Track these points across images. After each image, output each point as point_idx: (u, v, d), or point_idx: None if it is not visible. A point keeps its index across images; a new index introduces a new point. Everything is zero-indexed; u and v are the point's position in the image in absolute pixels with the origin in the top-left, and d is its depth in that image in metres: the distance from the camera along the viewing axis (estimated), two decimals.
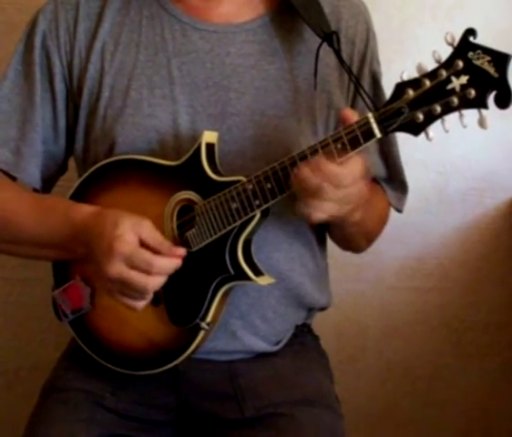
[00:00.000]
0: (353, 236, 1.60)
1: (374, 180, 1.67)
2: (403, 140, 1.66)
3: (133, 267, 1.35)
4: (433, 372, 2.48)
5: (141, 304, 1.41)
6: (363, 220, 1.51)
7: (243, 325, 1.58)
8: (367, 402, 2.47)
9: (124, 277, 1.35)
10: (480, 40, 1.28)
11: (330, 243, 1.76)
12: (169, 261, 1.39)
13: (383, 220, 1.72)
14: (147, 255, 1.36)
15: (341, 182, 1.33)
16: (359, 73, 1.63)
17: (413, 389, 2.48)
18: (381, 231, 1.72)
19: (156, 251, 1.38)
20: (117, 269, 1.35)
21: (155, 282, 1.38)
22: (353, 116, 1.36)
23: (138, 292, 1.38)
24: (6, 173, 1.62)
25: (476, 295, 2.43)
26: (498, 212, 2.39)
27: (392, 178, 1.70)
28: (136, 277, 1.36)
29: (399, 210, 1.73)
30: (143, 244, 1.38)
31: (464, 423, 2.51)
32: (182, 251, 1.41)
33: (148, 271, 1.36)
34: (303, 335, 1.72)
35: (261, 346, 1.62)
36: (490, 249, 2.41)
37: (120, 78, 1.58)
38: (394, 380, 2.48)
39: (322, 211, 1.36)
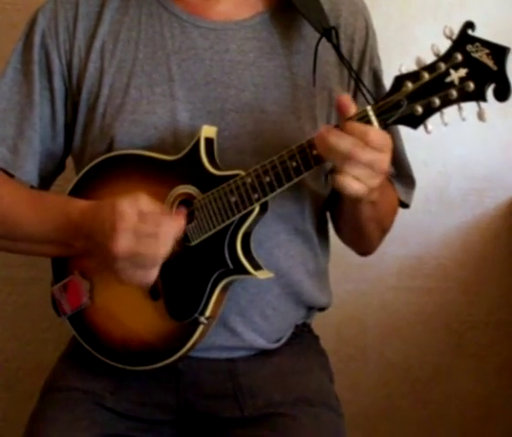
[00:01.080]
0: (368, 222, 1.58)
1: None
2: (403, 139, 1.67)
3: (140, 238, 1.34)
4: (433, 372, 2.47)
5: (153, 274, 1.38)
6: (378, 203, 1.49)
7: (243, 321, 1.58)
8: (367, 402, 2.47)
9: (133, 250, 1.34)
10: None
11: (331, 243, 1.76)
12: (174, 223, 1.38)
13: (394, 210, 1.71)
14: (150, 225, 1.35)
15: (371, 139, 1.32)
16: (359, 70, 1.63)
17: (413, 389, 2.48)
18: (392, 222, 1.71)
19: (157, 220, 1.37)
20: (125, 244, 1.34)
21: (165, 245, 1.36)
22: (349, 101, 1.36)
23: (149, 261, 1.36)
24: (4, 171, 1.62)
25: (477, 295, 2.43)
26: (498, 212, 2.38)
27: (399, 173, 1.70)
28: (145, 246, 1.34)
29: (407, 205, 1.72)
30: (144, 216, 1.36)
31: (464, 423, 2.51)
32: (183, 213, 1.42)
33: (155, 237, 1.34)
34: (303, 335, 1.72)
35: (261, 343, 1.62)
36: (490, 249, 2.41)
37: (120, 76, 1.59)
38: (394, 380, 2.47)
39: (356, 178, 1.33)
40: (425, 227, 2.38)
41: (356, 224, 1.60)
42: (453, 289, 2.42)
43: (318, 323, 1.79)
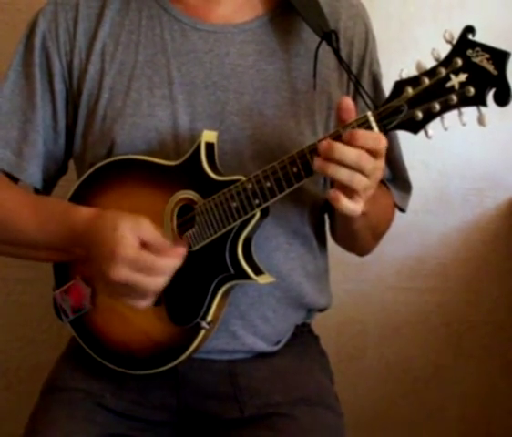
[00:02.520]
0: (360, 231, 1.58)
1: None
2: (403, 140, 1.67)
3: (136, 270, 1.34)
4: (433, 372, 2.48)
5: (144, 304, 1.39)
6: (370, 212, 1.48)
7: (243, 325, 1.59)
8: (367, 402, 2.48)
9: (129, 280, 1.34)
10: (480, 40, 1.28)
11: (330, 243, 1.76)
12: (171, 261, 1.37)
13: (388, 217, 1.70)
14: (149, 257, 1.35)
15: (383, 147, 1.32)
16: (359, 74, 1.63)
17: (413, 388, 2.48)
18: (387, 228, 1.72)
19: (157, 251, 1.37)
20: (121, 273, 1.34)
21: (158, 283, 1.36)
22: (351, 105, 1.36)
23: (142, 293, 1.37)
24: (8, 174, 1.62)
25: (477, 295, 2.44)
26: (498, 212, 2.39)
27: (395, 178, 1.70)
28: (139, 279, 1.34)
29: (403, 210, 1.72)
30: (144, 244, 1.36)
31: (464, 423, 2.51)
32: (183, 250, 1.40)
33: (153, 271, 1.35)
34: (303, 335, 1.72)
35: (261, 346, 1.62)
36: (490, 249, 2.41)
37: (120, 79, 1.59)
38: (394, 380, 2.48)
39: (360, 190, 1.33)
40: (425, 227, 2.38)
41: (349, 233, 1.60)
42: (453, 289, 2.43)
43: (318, 323, 1.79)
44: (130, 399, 1.59)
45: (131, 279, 1.34)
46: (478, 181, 2.38)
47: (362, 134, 1.32)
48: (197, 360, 1.57)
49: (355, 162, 1.31)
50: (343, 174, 1.31)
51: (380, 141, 1.32)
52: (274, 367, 1.63)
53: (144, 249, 1.35)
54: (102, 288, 1.51)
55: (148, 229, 1.37)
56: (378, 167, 1.35)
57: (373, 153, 1.32)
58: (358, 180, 1.32)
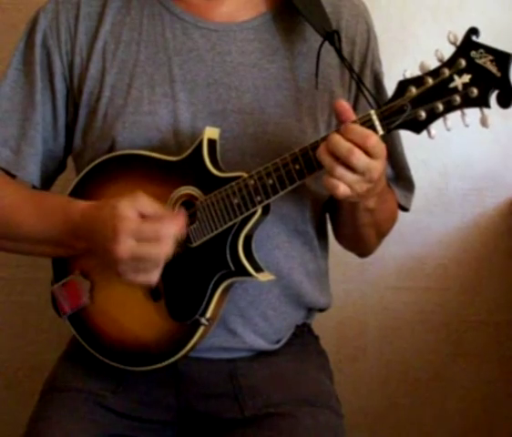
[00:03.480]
0: (365, 228, 1.59)
1: None
2: (402, 140, 1.67)
3: (141, 240, 1.34)
4: (433, 372, 2.48)
5: (156, 275, 1.38)
6: (377, 210, 1.50)
7: (243, 322, 1.59)
8: (367, 402, 2.47)
9: (135, 252, 1.34)
10: (480, 39, 1.29)
11: (330, 243, 1.76)
12: (174, 224, 1.37)
13: (393, 216, 1.71)
14: (151, 226, 1.35)
15: (370, 145, 1.33)
16: (360, 73, 1.63)
17: (413, 388, 2.48)
18: (391, 228, 1.72)
19: (157, 220, 1.37)
20: (127, 247, 1.34)
21: (166, 248, 1.35)
22: (346, 106, 1.37)
23: (151, 263, 1.36)
24: (6, 171, 1.62)
25: (477, 295, 2.43)
26: (498, 212, 2.39)
27: (398, 177, 1.70)
28: (147, 248, 1.34)
29: (406, 209, 1.72)
30: (144, 217, 1.37)
31: (463, 423, 2.51)
32: (183, 213, 1.41)
33: (156, 240, 1.34)
34: (303, 335, 1.72)
35: (261, 344, 1.62)
36: (490, 249, 2.41)
37: (121, 77, 1.59)
38: (393, 380, 2.47)
39: (348, 182, 1.34)
40: (425, 227, 2.38)
41: (353, 229, 1.61)
42: (453, 289, 2.43)
43: (318, 323, 1.78)
44: (130, 399, 1.59)
45: (137, 250, 1.34)
46: (478, 181, 2.38)
47: (351, 128, 1.33)
48: (197, 360, 1.57)
49: (345, 156, 1.32)
50: (326, 160, 1.35)
51: (368, 138, 1.32)
52: (274, 367, 1.63)
53: (144, 220, 1.36)
54: (104, 279, 1.53)
55: (145, 202, 1.38)
56: (373, 167, 1.35)
57: (365, 150, 1.32)
58: (341, 173, 1.33)
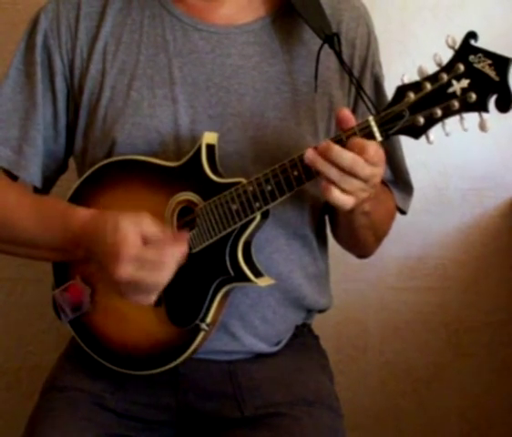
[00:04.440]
0: (362, 230, 1.58)
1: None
2: (402, 140, 1.67)
3: (143, 266, 1.34)
4: (433, 372, 2.48)
5: (154, 297, 1.39)
6: (372, 212, 1.50)
7: (243, 326, 1.59)
8: (367, 402, 2.48)
9: (136, 278, 1.34)
10: (480, 41, 1.29)
11: (330, 243, 1.76)
12: (176, 251, 1.37)
13: (390, 217, 1.71)
14: (153, 253, 1.35)
15: (370, 156, 1.33)
16: (361, 76, 1.63)
17: (412, 389, 2.48)
18: (388, 229, 1.72)
19: (160, 246, 1.37)
20: (127, 272, 1.34)
21: (162, 278, 1.36)
22: (349, 115, 1.36)
23: (151, 288, 1.37)
24: (8, 172, 1.62)
25: (476, 295, 2.43)
26: (498, 212, 2.39)
27: (397, 180, 1.70)
28: (147, 275, 1.34)
29: (404, 212, 1.73)
30: (146, 240, 1.36)
31: (463, 423, 2.51)
32: (186, 235, 1.42)
33: (158, 265, 1.34)
34: (303, 335, 1.72)
35: (261, 347, 1.62)
36: (490, 249, 2.41)
37: (121, 79, 1.59)
38: (393, 380, 2.48)
39: (354, 191, 1.34)
40: (425, 227, 2.39)
41: (350, 231, 1.60)
42: (453, 289, 2.43)
43: (318, 323, 1.79)
44: (130, 399, 1.59)
45: (136, 276, 1.34)
46: (478, 181, 2.38)
47: (357, 142, 1.33)
48: (197, 361, 1.57)
49: (350, 166, 1.32)
50: (332, 173, 1.33)
51: (366, 149, 1.32)
52: (274, 367, 1.63)
53: (147, 245, 1.36)
54: (104, 287, 1.53)
55: (148, 225, 1.37)
56: (376, 173, 1.36)
57: (366, 160, 1.32)
58: (349, 183, 1.33)
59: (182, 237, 1.40)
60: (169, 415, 1.60)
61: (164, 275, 1.36)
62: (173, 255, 1.36)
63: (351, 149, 1.32)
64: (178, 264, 1.38)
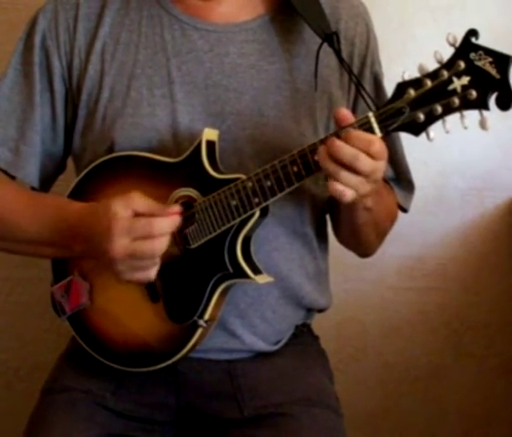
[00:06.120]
0: (364, 227, 1.58)
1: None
2: (403, 140, 1.67)
3: (135, 237, 1.35)
4: (433, 372, 2.48)
5: (153, 272, 1.40)
6: (375, 209, 1.50)
7: (242, 324, 1.59)
8: (367, 402, 2.48)
9: (130, 250, 1.35)
10: (480, 40, 1.28)
11: (330, 242, 1.76)
12: (168, 220, 1.38)
13: (392, 215, 1.71)
14: (145, 220, 1.36)
15: (374, 149, 1.32)
16: (360, 75, 1.63)
17: (412, 389, 2.48)
18: (390, 227, 1.72)
19: (151, 216, 1.38)
20: (121, 245, 1.35)
21: (160, 244, 1.37)
22: (348, 114, 1.36)
23: (147, 260, 1.38)
24: (5, 172, 1.63)
25: (477, 295, 2.44)
26: (498, 212, 2.39)
27: (398, 178, 1.70)
28: (141, 245, 1.35)
29: (405, 210, 1.73)
30: (138, 215, 1.37)
31: (463, 423, 2.51)
32: (177, 208, 1.42)
33: (150, 236, 1.35)
34: (303, 335, 1.72)
35: (261, 345, 1.62)
36: (490, 249, 2.41)
37: (120, 79, 1.59)
38: (393, 380, 2.48)
39: (354, 185, 1.34)
40: (425, 227, 2.39)
41: (353, 229, 1.60)
42: (453, 289, 2.43)
43: (318, 323, 1.79)
44: (130, 399, 1.59)
45: (131, 248, 1.35)
46: (478, 181, 2.38)
47: (355, 135, 1.33)
48: (197, 361, 1.57)
49: (350, 161, 1.32)
50: (330, 167, 1.34)
51: (372, 144, 1.32)
52: (274, 367, 1.62)
53: (138, 217, 1.37)
54: (103, 282, 1.53)
55: (139, 200, 1.39)
56: (378, 168, 1.35)
57: (370, 155, 1.32)
58: (347, 178, 1.33)
59: (174, 208, 1.42)
60: (169, 415, 1.60)
61: (157, 244, 1.36)
62: (165, 223, 1.38)
63: (354, 141, 1.32)
64: (171, 232, 1.39)
